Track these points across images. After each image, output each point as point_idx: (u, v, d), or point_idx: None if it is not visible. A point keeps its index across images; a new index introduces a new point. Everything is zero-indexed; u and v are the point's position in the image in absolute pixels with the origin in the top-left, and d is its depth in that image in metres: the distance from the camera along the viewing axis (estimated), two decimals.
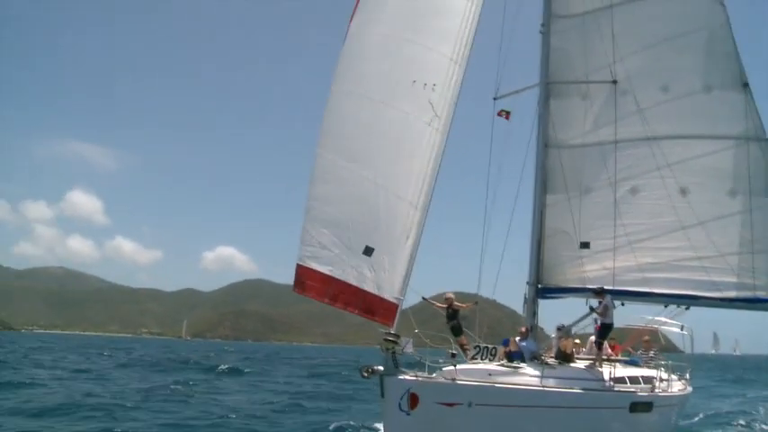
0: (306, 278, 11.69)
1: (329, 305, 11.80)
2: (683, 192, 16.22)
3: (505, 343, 14.83)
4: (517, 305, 17.06)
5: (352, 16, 12.98)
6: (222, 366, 44.65)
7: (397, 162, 11.94)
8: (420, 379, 11.12)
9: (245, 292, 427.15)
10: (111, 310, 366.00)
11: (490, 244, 16.47)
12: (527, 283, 16.76)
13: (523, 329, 15.54)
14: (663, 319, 16.95)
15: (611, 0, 16.97)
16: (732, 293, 15.76)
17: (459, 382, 11.44)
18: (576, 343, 16.29)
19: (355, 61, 12.66)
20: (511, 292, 17.47)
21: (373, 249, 11.51)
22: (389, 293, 11.43)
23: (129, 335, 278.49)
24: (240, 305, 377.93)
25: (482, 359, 13.71)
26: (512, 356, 14.07)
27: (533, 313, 16.62)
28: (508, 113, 16.87)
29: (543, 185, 17.03)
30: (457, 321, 15.07)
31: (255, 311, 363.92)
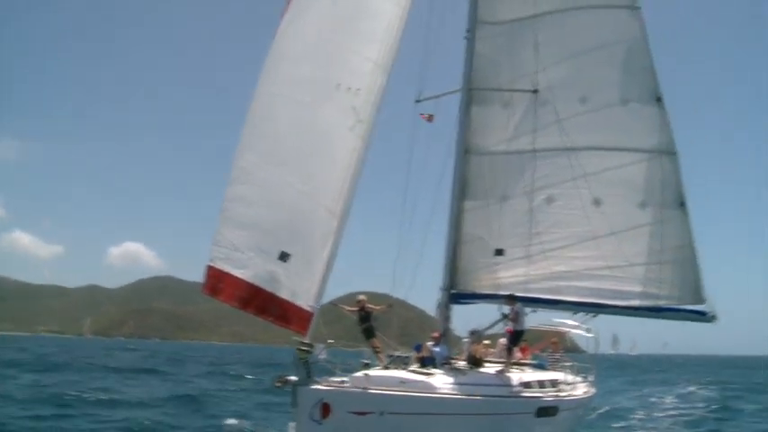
0: (217, 280, 11.38)
1: (241, 310, 11.60)
2: (597, 202, 16.51)
3: (418, 348, 14.97)
4: (428, 306, 17.16)
5: (282, 15, 12.75)
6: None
7: (317, 168, 11.73)
8: (332, 388, 11.20)
9: (153, 290, 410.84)
10: (5, 307, 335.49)
11: (408, 247, 16.60)
12: (441, 288, 16.91)
13: (436, 334, 15.71)
14: (570, 321, 17.34)
15: (537, 10, 17.15)
16: (637, 302, 16.13)
17: (370, 391, 11.48)
18: (487, 344, 16.57)
19: (282, 62, 12.42)
20: (423, 293, 17.54)
21: (289, 255, 11.27)
22: (304, 301, 11.24)
23: (26, 333, 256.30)
24: (147, 302, 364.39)
25: (395, 368, 13.76)
26: (424, 362, 14.23)
27: (446, 318, 16.75)
28: (431, 116, 17.02)
29: (461, 191, 17.15)
30: (370, 324, 15.17)
31: (162, 309, 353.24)
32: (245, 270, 11.18)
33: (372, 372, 12.48)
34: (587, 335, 18.37)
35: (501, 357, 15.92)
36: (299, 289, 11.16)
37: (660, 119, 16.47)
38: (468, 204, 17.28)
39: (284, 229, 11.36)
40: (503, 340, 16.43)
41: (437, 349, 14.81)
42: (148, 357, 68.79)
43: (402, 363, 13.85)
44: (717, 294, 16.41)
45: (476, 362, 15.02)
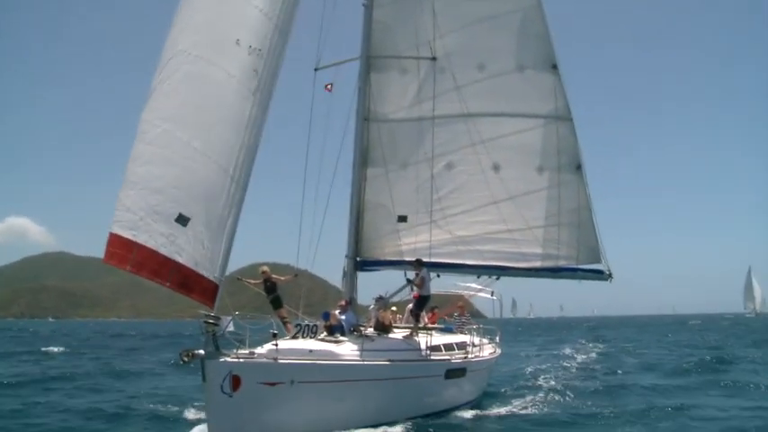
0: (111, 245, 10.35)
1: (135, 274, 10.55)
2: (496, 168, 16.76)
3: (326, 317, 14.72)
4: (329, 275, 16.90)
5: None
6: None
7: (216, 128, 11.00)
8: (241, 360, 10.80)
9: (43, 266, 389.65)
10: None
11: (310, 217, 16.26)
12: (346, 256, 16.69)
13: (343, 302, 15.58)
14: (475, 285, 17.57)
15: None
16: (538, 263, 16.53)
17: (280, 360, 11.20)
18: (393, 311, 16.56)
19: (183, 13, 11.49)
20: (324, 262, 17.20)
21: (189, 219, 10.49)
22: (209, 272, 10.62)
23: None
24: (38, 280, 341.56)
25: (303, 337, 13.49)
26: (332, 330, 14.01)
27: (352, 286, 16.59)
28: (331, 85, 16.76)
29: (363, 159, 16.98)
30: (277, 294, 14.87)
31: (55, 287, 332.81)
32: (136, 231, 10.28)
33: (281, 342, 12.13)
34: (491, 297, 18.68)
35: (409, 323, 15.94)
36: (202, 258, 10.53)
37: (555, 85, 16.85)
38: (369, 172, 17.14)
39: (182, 189, 10.54)
40: (410, 306, 16.51)
41: (345, 317, 14.67)
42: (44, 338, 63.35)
43: (311, 332, 13.54)
44: (614, 256, 17.00)
45: (384, 328, 15.01)
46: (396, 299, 16.66)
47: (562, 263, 16.61)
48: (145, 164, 10.55)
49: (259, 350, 11.66)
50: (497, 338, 19.32)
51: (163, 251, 10.32)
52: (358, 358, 12.65)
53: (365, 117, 17.03)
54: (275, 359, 11.19)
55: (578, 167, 16.81)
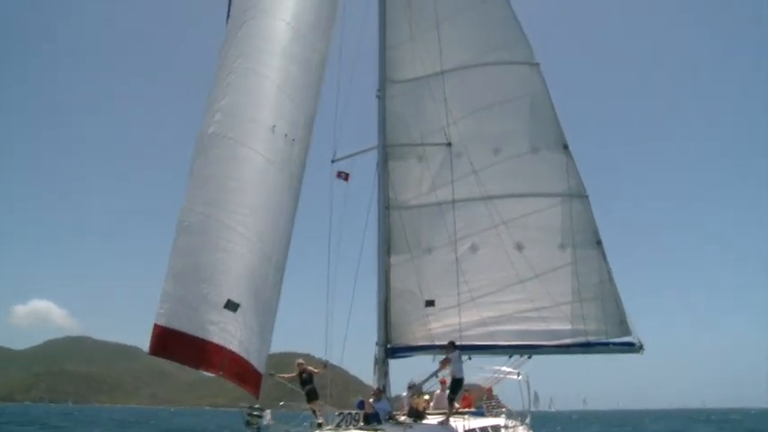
0: (159, 337, 10.07)
1: (190, 366, 10.56)
2: (519, 247, 17.00)
3: (360, 405, 14.59)
4: (349, 366, 16.73)
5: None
6: None
7: (260, 214, 10.98)
8: None
9: (65, 350, 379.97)
10: None
11: (336, 306, 16.36)
12: (376, 343, 16.68)
13: (376, 390, 15.47)
14: (502, 368, 17.47)
15: (441, 67, 17.87)
16: (568, 340, 16.53)
17: None
18: (426, 398, 16.38)
19: (217, 97, 11.56)
20: (351, 354, 17.06)
21: (238, 305, 10.25)
22: (257, 362, 10.46)
23: None
24: (59, 364, 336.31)
25: (346, 426, 13.28)
26: (369, 419, 13.85)
27: (385, 373, 16.51)
28: (347, 175, 17.10)
29: (387, 246, 17.22)
30: (313, 386, 14.74)
31: (76, 371, 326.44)
32: (187, 322, 10.06)
33: None
34: (518, 378, 18.54)
35: (438, 409, 15.76)
36: (251, 345, 10.39)
37: (567, 165, 17.33)
38: (394, 259, 17.33)
39: (227, 274, 10.40)
40: (437, 392, 16.37)
41: (379, 405, 14.53)
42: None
43: (354, 420, 13.35)
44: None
45: (418, 414, 14.84)
46: (427, 386, 16.56)
47: (592, 338, 16.62)
48: (189, 252, 10.48)
49: None
50: (528, 420, 19.07)
51: (215, 339, 10.10)
52: None
53: (386, 205, 17.36)
54: None
55: (598, 243, 17.09)
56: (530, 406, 19.80)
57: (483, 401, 18.28)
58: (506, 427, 16.17)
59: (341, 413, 13.42)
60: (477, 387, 18.95)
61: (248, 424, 10.44)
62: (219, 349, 10.11)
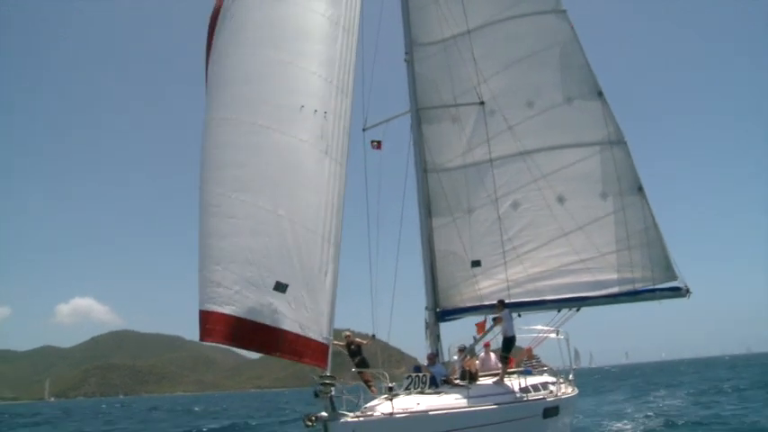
0: (208, 323, 10.26)
1: (244, 349, 10.91)
2: (560, 200, 16.92)
3: (417, 370, 14.83)
4: (396, 338, 16.89)
5: (210, 41, 12.18)
6: None
7: (298, 192, 11.07)
8: (362, 419, 10.76)
9: (110, 345, 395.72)
10: None
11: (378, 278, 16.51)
12: (426, 308, 16.86)
13: (430, 355, 15.70)
14: (539, 327, 17.59)
15: (468, 25, 17.62)
16: (615, 289, 16.50)
17: (398, 416, 11.16)
18: (476, 361, 16.61)
19: (227, 86, 11.62)
20: (393, 326, 17.16)
21: (287, 285, 10.48)
22: (317, 333, 10.62)
23: None
24: (106, 359, 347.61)
25: (415, 388, 13.51)
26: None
27: (437, 337, 16.72)
28: (379, 143, 17.02)
29: (427, 210, 17.27)
30: (362, 356, 14.98)
31: (123, 364, 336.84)
32: (236, 306, 10.25)
33: (394, 398, 12.18)
34: (558, 337, 18.63)
35: (484, 371, 15.95)
36: (307, 320, 10.56)
37: (604, 111, 17.09)
38: (435, 222, 17.39)
39: (274, 257, 10.56)
40: (482, 355, 16.64)
41: (435, 369, 14.75)
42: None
43: (421, 383, 13.56)
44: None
45: (471, 376, 15.04)
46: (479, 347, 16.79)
47: (639, 285, 16.55)
48: (228, 237, 10.55)
49: (374, 408, 11.66)
50: (570, 377, 19.16)
51: (267, 322, 10.32)
52: (467, 406, 12.70)
53: (424, 168, 17.35)
54: (391, 414, 11.14)
55: (640, 188, 16.91)
56: (571, 363, 19.87)
57: (524, 362, 18.41)
58: (555, 383, 16.31)
59: (409, 376, 13.62)
60: (516, 348, 19.08)
61: (319, 393, 10.55)
62: (273, 330, 10.34)
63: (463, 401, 12.78)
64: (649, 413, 26.09)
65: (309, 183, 11.29)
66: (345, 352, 14.97)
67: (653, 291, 16.67)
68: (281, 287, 10.49)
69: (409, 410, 11.68)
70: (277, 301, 10.44)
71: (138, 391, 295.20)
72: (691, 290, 16.66)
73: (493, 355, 16.79)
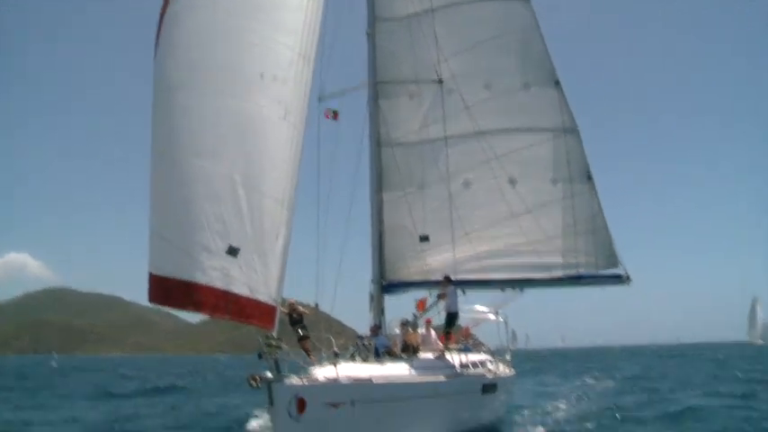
0: (162, 287, 10.38)
1: (193, 312, 10.63)
2: (512, 182, 17.05)
3: (360, 340, 14.69)
4: (336, 310, 16.63)
5: (164, 6, 11.66)
6: None
7: (254, 157, 10.97)
8: (306, 383, 10.65)
9: (45, 302, 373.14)
10: None
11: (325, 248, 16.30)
12: (371, 280, 16.72)
13: (373, 327, 15.58)
14: (480, 308, 17.65)
15: (432, 4, 17.66)
16: (560, 273, 16.71)
17: (342, 382, 11.10)
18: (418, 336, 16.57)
19: (183, 50, 11.32)
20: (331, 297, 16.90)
21: (238, 249, 10.47)
22: (265, 295, 10.58)
23: None
24: (41, 316, 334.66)
25: (359, 356, 13.42)
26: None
27: (381, 310, 16.57)
28: (336, 113, 16.84)
29: (379, 182, 17.15)
30: (303, 325, 14.70)
31: (58, 322, 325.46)
32: (192, 272, 10.27)
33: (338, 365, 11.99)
34: (496, 319, 18.76)
35: (425, 346, 15.90)
36: (257, 283, 10.51)
37: (560, 100, 17.33)
38: (386, 195, 17.29)
39: (227, 222, 10.55)
40: (422, 331, 16.51)
41: (378, 340, 14.64)
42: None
43: (366, 350, 13.39)
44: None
45: (413, 350, 14.98)
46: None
47: (582, 270, 16.82)
48: (183, 202, 10.49)
49: (317, 372, 11.44)
50: (508, 357, 19.32)
51: (218, 285, 10.30)
52: (408, 377, 12.62)
53: (378, 142, 17.24)
54: (336, 380, 11.04)
55: (589, 177, 17.20)
56: (508, 344, 20.04)
57: (461, 341, 18.46)
58: (491, 362, 16.43)
59: (355, 344, 13.45)
60: (455, 327, 19.08)
61: (264, 354, 10.42)
62: (224, 294, 10.33)
63: (406, 372, 12.76)
64: (583, 395, 26.66)
65: (266, 147, 11.17)
66: (287, 320, 14.69)
67: (595, 277, 16.95)
68: (233, 251, 10.46)
69: (353, 377, 11.59)
70: (228, 264, 10.42)
71: (74, 351, 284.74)
72: (631, 277, 16.99)
73: (433, 332, 16.76)
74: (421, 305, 18.21)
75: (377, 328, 15.56)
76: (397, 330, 16.28)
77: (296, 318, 14.64)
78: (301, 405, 10.34)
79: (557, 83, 17.48)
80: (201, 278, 10.26)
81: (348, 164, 17.46)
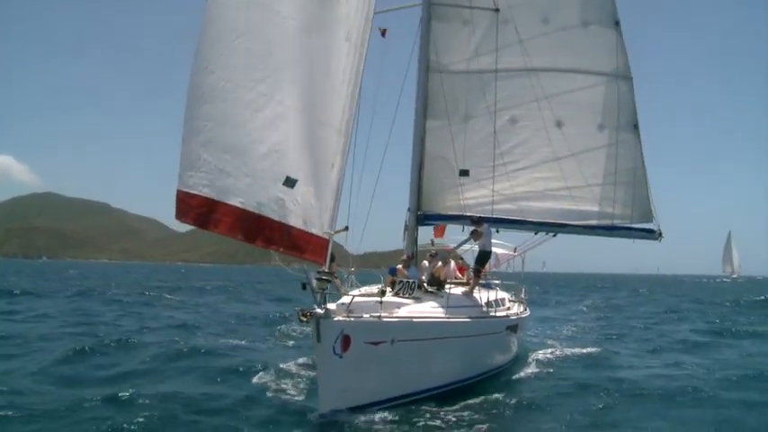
0: (206, 210, 9.80)
1: (243, 242, 10.29)
2: (559, 124, 16.64)
3: (393, 272, 14.58)
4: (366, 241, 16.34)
5: None
6: None
7: (312, 82, 10.42)
8: (352, 320, 10.53)
9: (33, 207, 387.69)
10: None
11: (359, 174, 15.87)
12: (408, 209, 16.50)
13: (406, 257, 15.47)
14: (500, 242, 17.61)
15: None
16: (594, 221, 16.62)
17: (385, 320, 11.04)
18: (454, 263, 16.66)
19: None
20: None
21: (296, 180, 10.08)
22: (318, 228, 10.28)
23: None
24: (29, 221, 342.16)
25: (403, 294, 13.12)
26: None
27: (414, 240, 16.44)
28: (384, 31, 16.08)
29: (424, 109, 16.63)
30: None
31: (46, 227, 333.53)
32: (244, 199, 9.88)
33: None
34: (514, 255, 18.72)
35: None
36: (310, 216, 10.21)
37: (618, 43, 16.67)
38: (430, 124, 16.79)
39: (284, 151, 10.11)
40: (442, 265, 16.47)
41: (410, 272, 14.55)
42: None
43: (410, 289, 13.24)
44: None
45: (439, 283, 14.98)
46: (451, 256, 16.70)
47: (617, 221, 16.74)
48: (238, 126, 9.95)
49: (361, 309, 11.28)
50: (523, 296, 19.42)
51: (274, 216, 10.01)
52: (444, 316, 12.63)
53: (427, 67, 16.60)
54: (380, 317, 10.97)
55: (635, 126, 16.82)
56: (524, 287, 19.95)
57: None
58: (511, 301, 16.95)
59: (401, 281, 13.32)
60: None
61: (318, 289, 10.23)
62: (279, 225, 10.04)
63: (441, 310, 12.76)
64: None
65: (328, 71, 10.61)
66: None
67: (629, 229, 16.87)
68: (289, 182, 10.09)
69: (396, 315, 11.61)
70: (285, 196, 10.09)
71: (62, 255, 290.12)
72: (663, 234, 16.93)
73: (452, 264, 16.74)
74: (438, 231, 18.17)
75: (410, 259, 15.44)
76: (426, 263, 16.22)
77: None
78: (346, 342, 10.30)
79: (617, 23, 16.75)
80: (256, 207, 9.97)
81: (392, 89, 16.80)
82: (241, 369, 14.58)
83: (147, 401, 11.11)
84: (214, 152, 9.85)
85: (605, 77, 16.69)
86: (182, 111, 10.02)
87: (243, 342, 19.21)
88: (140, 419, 9.82)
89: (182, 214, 9.92)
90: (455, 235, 18.27)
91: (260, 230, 10.04)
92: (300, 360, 15.39)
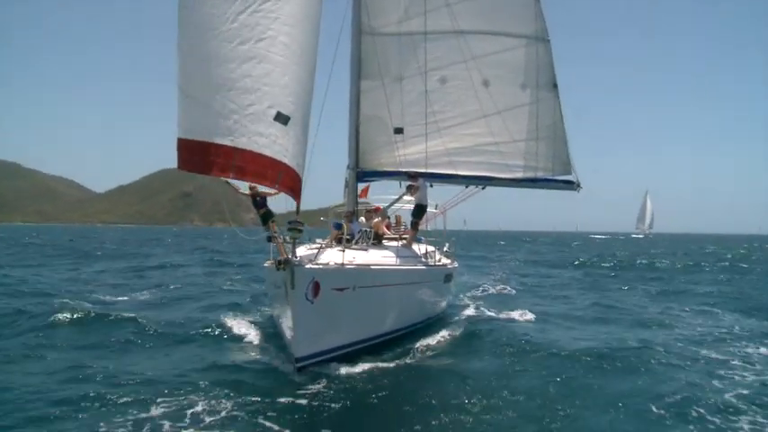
0: (194, 153, 9.45)
1: (238, 180, 10.36)
2: (485, 83, 17.62)
3: (338, 227, 15.11)
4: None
5: None
6: None
7: (296, 25, 10.12)
8: (321, 267, 10.98)
9: None
10: None
11: None
12: (347, 167, 17.15)
13: (348, 212, 16.10)
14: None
15: None
16: (519, 174, 17.80)
17: (347, 267, 11.56)
18: (389, 219, 17.44)
19: None
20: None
21: (289, 118, 9.81)
22: (302, 173, 10.20)
23: None
24: None
25: (362, 242, 13.99)
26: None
27: (355, 197, 17.09)
28: None
29: (358, 71, 17.25)
30: (267, 208, 14.67)
31: None
32: (234, 136, 9.47)
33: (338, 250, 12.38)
34: (435, 210, 19.60)
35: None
36: (299, 159, 10.12)
37: (536, 7, 17.76)
38: (364, 85, 17.43)
39: (273, 86, 9.79)
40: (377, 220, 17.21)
41: (353, 226, 15.21)
42: None
43: (367, 237, 13.92)
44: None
45: (378, 237, 15.76)
46: (391, 211, 17.49)
47: (540, 174, 17.97)
48: (225, 62, 9.60)
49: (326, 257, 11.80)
50: (448, 248, 20.42)
51: (267, 152, 9.72)
52: (397, 264, 13.39)
53: (359, 29, 17.19)
54: (343, 265, 11.55)
55: (554, 86, 18.03)
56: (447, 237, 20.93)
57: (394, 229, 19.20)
58: (438, 251, 17.70)
59: (361, 230, 13.91)
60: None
61: (291, 239, 10.46)
62: (274, 163, 9.77)
63: (393, 260, 13.53)
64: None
65: (305, 17, 10.48)
66: (250, 202, 14.69)
67: (550, 180, 18.16)
68: (282, 118, 9.83)
69: (356, 263, 12.17)
70: (278, 132, 9.81)
71: None
72: (581, 185, 18.33)
73: (387, 220, 17.59)
74: (363, 193, 18.95)
75: (351, 214, 16.09)
76: (363, 219, 16.92)
77: (260, 201, 14.68)
78: (316, 289, 10.77)
79: None
80: (246, 144, 9.60)
81: (325, 50, 17.34)
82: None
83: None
84: (204, 91, 9.58)
85: (526, 40, 17.73)
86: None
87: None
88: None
89: (184, 164, 9.64)
90: (386, 195, 19.01)
91: (250, 166, 9.67)
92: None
